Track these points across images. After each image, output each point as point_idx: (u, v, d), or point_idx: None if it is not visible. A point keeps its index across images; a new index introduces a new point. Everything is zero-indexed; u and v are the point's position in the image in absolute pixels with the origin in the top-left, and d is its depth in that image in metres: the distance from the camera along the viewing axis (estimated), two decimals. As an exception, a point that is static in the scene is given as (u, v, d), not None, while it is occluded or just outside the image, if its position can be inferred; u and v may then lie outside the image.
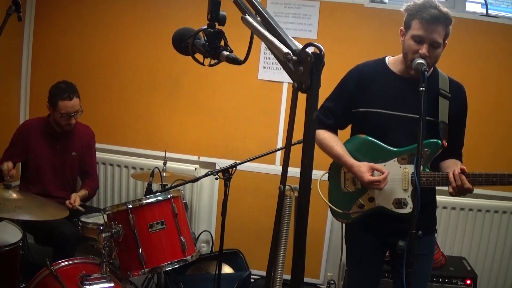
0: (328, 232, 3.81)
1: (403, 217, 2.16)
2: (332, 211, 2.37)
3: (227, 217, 2.99)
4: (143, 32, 3.97)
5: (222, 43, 1.23)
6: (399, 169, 2.20)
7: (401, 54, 2.21)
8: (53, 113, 3.34)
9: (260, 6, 1.05)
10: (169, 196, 2.59)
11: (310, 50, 0.93)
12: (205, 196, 3.99)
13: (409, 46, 2.13)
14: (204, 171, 3.46)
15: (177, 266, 2.57)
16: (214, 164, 3.87)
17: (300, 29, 3.63)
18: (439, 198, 2.44)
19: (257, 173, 3.85)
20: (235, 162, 2.96)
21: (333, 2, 3.66)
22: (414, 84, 2.07)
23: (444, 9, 2.07)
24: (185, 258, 2.57)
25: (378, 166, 2.19)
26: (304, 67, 0.90)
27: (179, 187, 2.86)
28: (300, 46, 0.96)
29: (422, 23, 2.07)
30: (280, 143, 3.79)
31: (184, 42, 1.29)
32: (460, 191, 2.10)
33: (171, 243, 2.57)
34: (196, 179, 3.09)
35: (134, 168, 4.02)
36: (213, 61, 1.24)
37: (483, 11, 3.64)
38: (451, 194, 2.13)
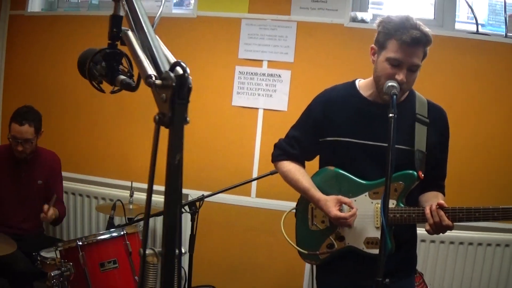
0: (308, 271, 3.51)
1: (376, 258, 1.92)
2: (299, 252, 2.13)
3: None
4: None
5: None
6: (370, 204, 1.97)
7: (372, 77, 2.00)
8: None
9: (143, 19, 0.84)
10: (122, 233, 2.37)
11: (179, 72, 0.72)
12: (177, 229, 3.72)
13: (384, 69, 1.89)
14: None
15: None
16: (187, 195, 3.62)
17: (276, 52, 3.39)
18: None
19: (231, 205, 3.60)
20: (202, 195, 2.75)
21: (310, 22, 3.45)
22: (386, 110, 1.84)
23: (425, 29, 1.85)
24: (140, 301, 2.35)
25: (346, 199, 1.95)
26: (166, 94, 0.69)
27: (138, 223, 2.64)
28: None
29: (401, 45, 1.83)
30: (255, 173, 3.55)
31: (85, 66, 1.09)
32: (438, 229, 1.85)
33: (125, 284, 2.37)
34: (159, 213, 2.85)
35: (103, 199, 3.79)
36: (115, 88, 1.03)
37: (473, 28, 3.42)
38: (429, 232, 1.89)
